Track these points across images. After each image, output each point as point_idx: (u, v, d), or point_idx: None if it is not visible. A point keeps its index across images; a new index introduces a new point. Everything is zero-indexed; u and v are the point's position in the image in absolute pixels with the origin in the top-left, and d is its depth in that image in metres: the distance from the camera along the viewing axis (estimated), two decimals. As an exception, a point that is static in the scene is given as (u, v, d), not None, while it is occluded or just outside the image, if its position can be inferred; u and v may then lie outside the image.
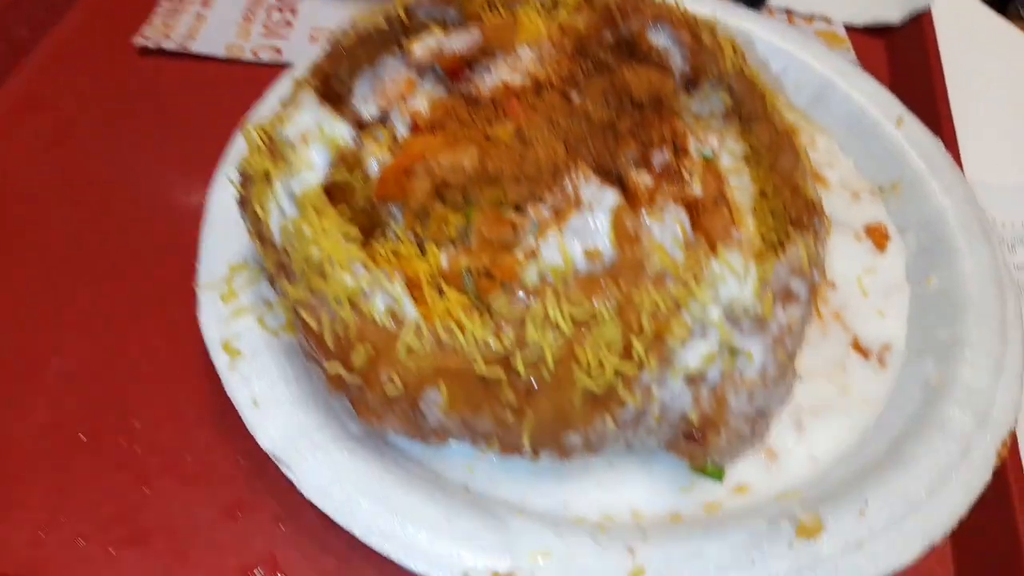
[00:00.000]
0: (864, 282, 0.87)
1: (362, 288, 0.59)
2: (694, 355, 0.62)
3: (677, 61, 0.77)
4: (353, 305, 0.60)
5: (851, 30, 1.23)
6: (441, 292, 0.71)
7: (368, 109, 0.79)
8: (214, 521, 0.74)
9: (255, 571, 0.72)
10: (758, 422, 0.66)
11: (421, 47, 0.80)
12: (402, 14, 0.76)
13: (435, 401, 0.60)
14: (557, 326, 0.58)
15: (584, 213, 0.60)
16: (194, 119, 1.02)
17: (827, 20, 1.24)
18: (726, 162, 0.82)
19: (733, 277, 0.61)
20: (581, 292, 0.58)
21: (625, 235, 0.59)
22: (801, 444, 0.76)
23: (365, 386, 0.62)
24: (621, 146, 0.72)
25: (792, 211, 0.77)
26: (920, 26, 1.20)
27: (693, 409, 0.64)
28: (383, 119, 0.80)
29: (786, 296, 0.66)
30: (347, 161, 0.74)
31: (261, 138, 0.67)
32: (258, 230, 0.68)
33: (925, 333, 0.82)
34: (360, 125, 0.79)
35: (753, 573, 0.64)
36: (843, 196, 0.95)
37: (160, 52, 1.08)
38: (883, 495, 0.68)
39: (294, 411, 0.70)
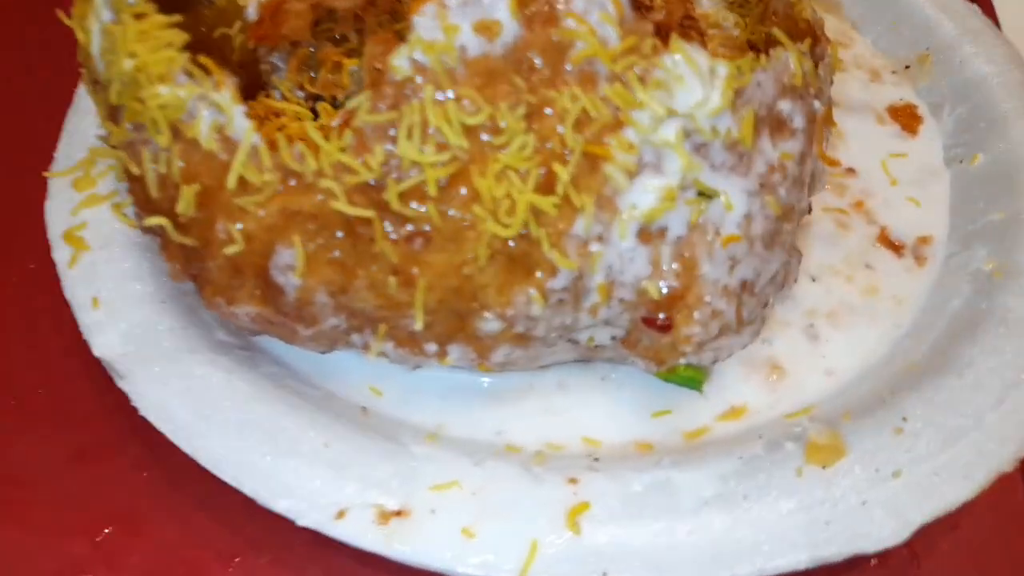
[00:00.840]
0: (891, 168, 0.69)
1: (181, 101, 0.43)
2: (644, 194, 0.44)
3: None
4: (175, 131, 0.44)
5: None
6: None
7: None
8: (60, 470, 0.58)
9: (105, 531, 0.55)
10: (744, 300, 0.49)
11: None
12: None
13: (289, 264, 0.44)
14: (441, 136, 0.41)
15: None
16: None
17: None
18: (705, 4, 0.66)
19: (695, 76, 0.44)
20: (473, 88, 0.41)
21: (533, 4, 0.42)
22: (814, 356, 0.58)
23: (202, 250, 0.46)
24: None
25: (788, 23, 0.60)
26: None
27: (651, 278, 0.46)
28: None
29: (776, 123, 0.48)
30: (227, 13, 0.59)
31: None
32: (87, 66, 0.53)
33: (974, 217, 0.64)
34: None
35: (746, 510, 0.46)
36: (859, 77, 0.77)
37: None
38: (927, 408, 0.50)
39: (143, 312, 0.54)
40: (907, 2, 0.78)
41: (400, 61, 0.42)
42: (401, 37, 0.46)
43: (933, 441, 0.48)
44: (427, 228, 0.43)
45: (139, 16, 0.47)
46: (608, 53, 0.42)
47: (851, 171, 0.69)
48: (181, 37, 0.47)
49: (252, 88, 0.60)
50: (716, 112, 0.44)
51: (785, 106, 0.48)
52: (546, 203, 0.42)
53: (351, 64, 0.57)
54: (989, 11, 0.80)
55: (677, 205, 0.45)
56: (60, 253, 0.57)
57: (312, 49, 0.58)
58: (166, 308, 0.55)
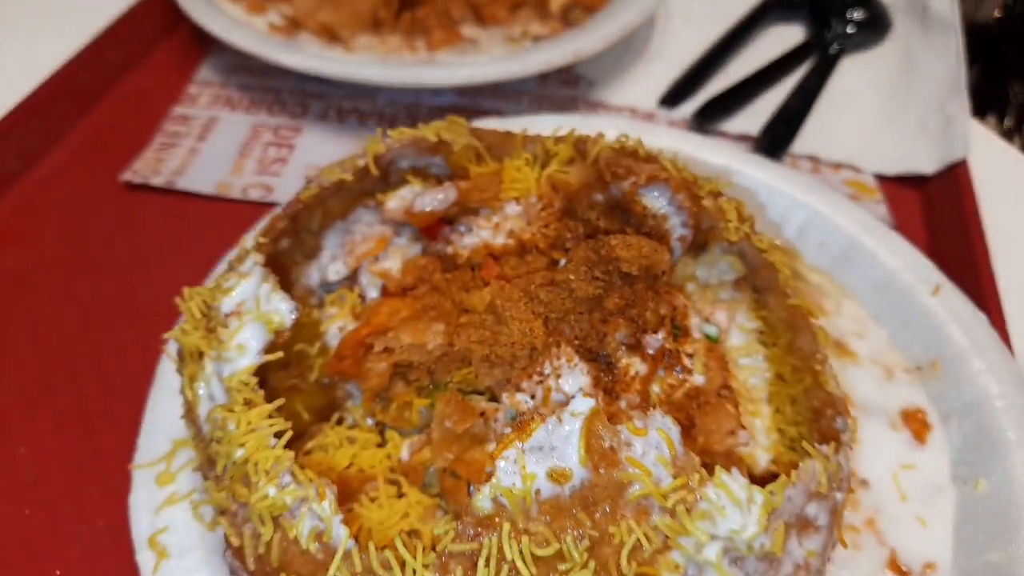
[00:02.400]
0: (901, 481, 0.75)
1: (286, 503, 0.50)
2: (687, 603, 0.50)
3: (675, 225, 0.69)
4: (277, 523, 0.50)
5: (882, 180, 1.15)
6: (400, 489, 0.62)
7: (335, 267, 0.72)
8: None
9: None
10: None
11: (396, 201, 0.73)
12: (372, 165, 0.69)
13: (367, 648, 0.49)
14: (514, 567, 0.47)
15: (551, 424, 0.50)
16: (175, 260, 0.96)
17: (856, 169, 1.16)
18: (736, 340, 0.73)
19: (734, 506, 0.50)
20: (545, 524, 0.48)
21: (599, 451, 0.49)
22: None
23: (290, 625, 0.51)
24: (609, 326, 0.63)
25: (815, 400, 0.67)
26: (955, 177, 1.11)
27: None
28: (350, 279, 0.73)
29: (802, 525, 0.54)
30: (306, 328, 0.66)
31: (199, 307, 0.59)
32: (188, 413, 0.59)
33: (975, 553, 0.69)
34: (323, 287, 0.71)
35: None
36: (874, 373, 0.84)
37: (147, 187, 1.03)
38: None
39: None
40: (920, 304, 0.85)
41: (483, 502, 0.48)
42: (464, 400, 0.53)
43: None
44: (493, 637, 0.48)
45: (248, 403, 0.54)
46: (660, 492, 0.49)
47: (864, 483, 0.74)
48: (284, 426, 0.53)
49: (327, 409, 0.67)
50: (754, 537, 0.50)
51: (811, 509, 0.54)
52: (603, 623, 0.48)
53: (420, 404, 0.63)
54: (999, 321, 0.87)
55: (714, 611, 0.51)
56: (144, 556, 0.62)
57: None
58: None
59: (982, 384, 0.78)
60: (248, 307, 0.56)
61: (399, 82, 1.06)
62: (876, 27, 1.38)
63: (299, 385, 0.65)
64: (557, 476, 0.48)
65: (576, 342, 0.62)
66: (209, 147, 1.10)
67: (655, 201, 0.67)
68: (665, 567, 0.49)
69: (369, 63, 1.08)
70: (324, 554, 0.49)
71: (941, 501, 0.74)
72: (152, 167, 1.05)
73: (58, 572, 0.70)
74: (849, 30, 1.37)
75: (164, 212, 1.02)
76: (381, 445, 0.64)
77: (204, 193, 1.03)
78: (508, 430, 0.61)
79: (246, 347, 0.55)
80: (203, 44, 1.28)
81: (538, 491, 0.48)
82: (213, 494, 0.54)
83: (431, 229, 0.71)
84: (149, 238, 0.99)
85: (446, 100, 1.21)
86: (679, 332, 0.65)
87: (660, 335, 0.62)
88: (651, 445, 0.49)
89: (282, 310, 0.57)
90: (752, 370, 0.71)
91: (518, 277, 0.66)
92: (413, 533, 0.60)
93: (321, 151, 1.11)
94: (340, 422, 0.66)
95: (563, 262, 0.69)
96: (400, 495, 0.62)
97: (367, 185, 0.74)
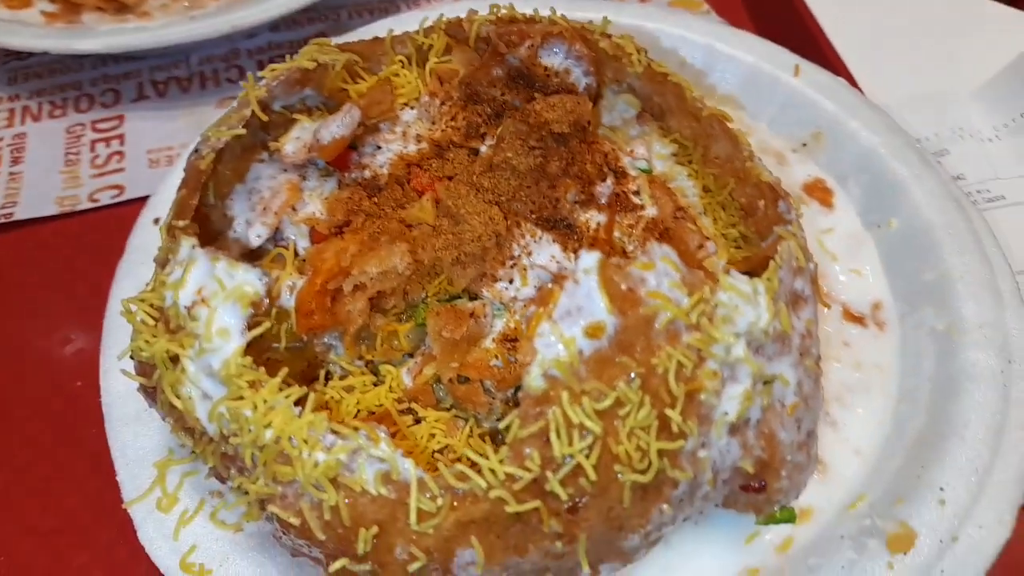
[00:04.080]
0: (827, 245, 0.82)
1: (341, 461, 0.48)
2: (731, 402, 0.54)
3: (579, 76, 0.69)
4: (336, 483, 0.48)
5: (702, -9, 1.20)
6: (415, 415, 0.61)
7: (255, 231, 0.67)
8: None
9: None
10: (810, 444, 0.59)
11: (293, 143, 0.68)
12: (257, 110, 0.64)
13: (471, 560, 0.50)
14: (583, 428, 0.48)
15: (570, 288, 0.50)
16: (47, 295, 0.87)
17: (677, -12, 1.20)
18: (659, 167, 0.75)
19: (745, 302, 0.53)
20: (596, 378, 0.49)
21: (620, 295, 0.50)
22: (840, 441, 0.69)
23: (380, 570, 0.50)
24: (559, 189, 0.63)
25: (742, 198, 0.71)
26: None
27: (744, 458, 0.56)
28: (275, 237, 0.68)
29: (795, 300, 0.59)
30: (255, 303, 0.62)
31: (148, 314, 0.54)
32: (181, 423, 0.55)
33: (909, 279, 0.78)
34: (252, 254, 0.67)
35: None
36: (767, 161, 0.89)
37: (-20, 231, 0.91)
38: (952, 474, 0.62)
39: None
40: (787, 87, 0.91)
41: (535, 381, 0.48)
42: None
43: (964, 500, 0.61)
44: (581, 499, 0.50)
45: (253, 384, 0.50)
46: (683, 311, 0.51)
47: (800, 258, 0.81)
48: (300, 392, 0.51)
49: (310, 370, 0.64)
50: (768, 323, 0.54)
51: (798, 284, 0.59)
52: (670, 445, 0.50)
53: (404, 329, 0.62)
54: (849, 80, 0.95)
55: (754, 400, 0.54)
56: (184, 584, 0.59)
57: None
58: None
59: (863, 139, 0.86)
60: (211, 291, 0.52)
61: (215, 33, 0.97)
62: None
63: (273, 357, 0.62)
64: (593, 331, 0.49)
65: (533, 216, 0.63)
66: (29, 167, 0.98)
67: (554, 58, 0.66)
68: (706, 377, 0.52)
69: (176, 23, 0.98)
70: (397, 492, 0.48)
71: (864, 250, 0.82)
72: (-27, 208, 0.92)
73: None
74: None
75: (11, 249, 0.90)
76: (377, 384, 0.63)
77: (47, 215, 0.92)
78: (498, 322, 0.62)
79: (228, 330, 0.51)
80: (-38, 61, 1.11)
81: (580, 351, 0.49)
82: (249, 487, 0.51)
83: (340, 160, 0.67)
84: (11, 282, 0.88)
85: (263, 40, 1.13)
86: (618, 174, 0.66)
87: (609, 182, 0.64)
88: (661, 274, 0.51)
89: (251, 280, 0.53)
90: (681, 190, 0.74)
91: (450, 177, 0.65)
92: (446, 449, 0.60)
93: (155, 132, 1.01)
94: (328, 378, 0.63)
95: (483, 148, 0.68)
96: (417, 420, 0.61)
97: (252, 139, 0.68)
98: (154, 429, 0.66)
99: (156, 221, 0.78)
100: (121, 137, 1.01)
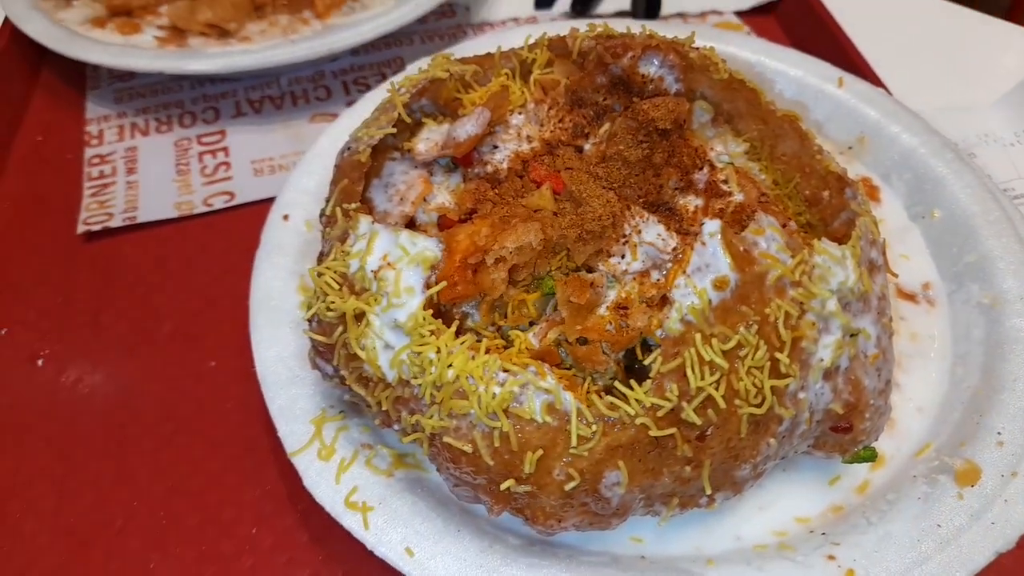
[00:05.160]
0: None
1: (514, 393, 0.57)
2: (825, 350, 0.63)
3: (671, 83, 0.80)
4: (507, 413, 0.58)
5: (742, 15, 1.31)
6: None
7: (393, 219, 0.77)
8: None
9: None
10: (887, 392, 0.69)
11: (424, 143, 0.78)
12: (403, 114, 0.75)
13: (616, 481, 0.59)
14: (713, 364, 0.58)
15: (699, 248, 0.60)
16: (175, 287, 0.96)
17: (718, 12, 1.32)
18: (735, 163, 0.85)
19: (836, 264, 0.63)
20: (722, 324, 0.59)
21: (741, 256, 0.60)
22: (904, 401, 0.79)
23: (538, 491, 0.59)
24: (663, 177, 0.74)
25: (806, 190, 0.81)
26: (799, -6, 1.30)
27: (835, 401, 0.65)
28: (410, 224, 0.78)
29: (872, 267, 0.69)
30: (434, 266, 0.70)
31: (334, 279, 0.64)
32: (358, 373, 0.64)
33: (954, 260, 0.88)
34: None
35: (942, 536, 0.66)
36: (821, 163, 1.00)
37: (107, 232, 1.01)
38: (1008, 419, 0.72)
39: (449, 546, 0.66)
40: (832, 97, 1.02)
41: (675, 324, 0.58)
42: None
43: (1020, 440, 0.71)
44: (708, 429, 0.59)
45: (433, 332, 0.60)
46: (789, 270, 0.61)
47: (854, 245, 0.91)
48: (472, 339, 0.60)
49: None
50: (854, 283, 0.63)
51: (873, 253, 0.69)
52: (779, 383, 0.60)
53: (533, 298, 0.72)
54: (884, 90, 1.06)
55: (843, 349, 0.64)
56: (349, 519, 0.67)
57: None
58: (463, 536, 0.67)
59: (904, 141, 0.97)
60: (395, 256, 0.62)
61: (314, 55, 1.08)
62: None
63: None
64: (719, 284, 0.59)
65: (640, 200, 0.73)
66: (144, 176, 1.08)
67: (650, 67, 0.77)
68: (807, 327, 0.62)
69: (278, 46, 1.09)
70: (558, 420, 0.58)
71: (911, 237, 0.93)
72: (100, 212, 1.02)
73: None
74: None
75: (139, 248, 1.00)
76: (507, 347, 0.72)
77: (167, 219, 1.02)
78: (611, 292, 0.72)
79: (413, 288, 0.61)
80: (75, 83, 1.21)
81: (710, 301, 0.58)
82: (425, 423, 0.60)
83: (466, 157, 0.78)
84: (142, 275, 0.98)
85: (346, 62, 1.24)
86: (709, 167, 0.77)
87: (705, 171, 0.74)
88: (769, 239, 0.61)
89: (431, 246, 0.63)
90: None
91: (567, 168, 0.75)
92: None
93: (256, 145, 1.11)
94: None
95: (587, 146, 0.78)
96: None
97: (384, 140, 0.78)
98: (306, 392, 0.75)
99: (285, 217, 0.88)
100: (226, 149, 1.11)
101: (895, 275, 0.77)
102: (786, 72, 1.06)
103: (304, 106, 1.18)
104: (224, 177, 1.07)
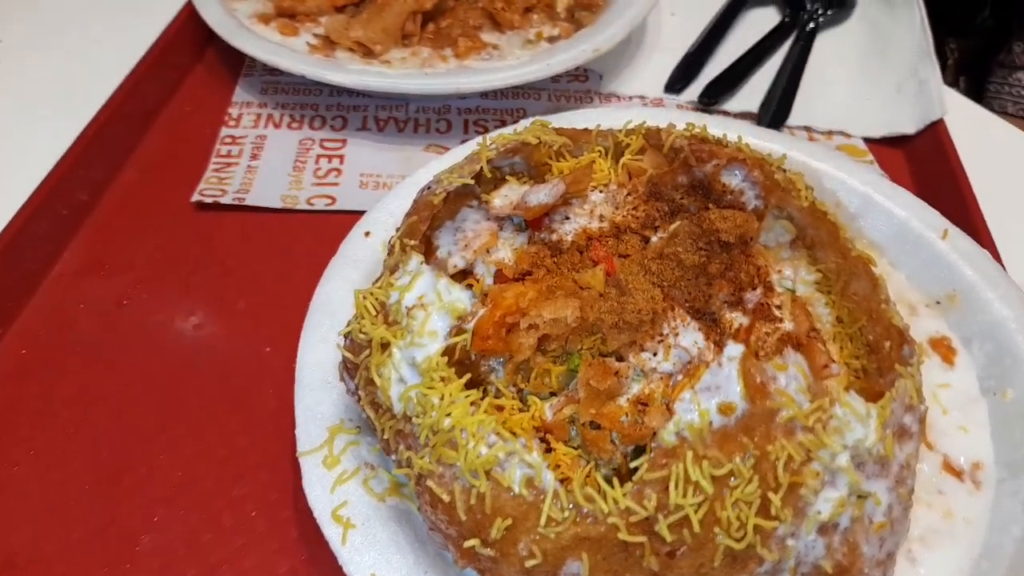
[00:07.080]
0: (940, 398, 0.88)
1: (498, 458, 0.59)
2: (826, 503, 0.62)
3: (750, 198, 0.80)
4: (488, 475, 0.60)
5: (870, 143, 1.29)
6: (548, 444, 0.72)
7: (453, 261, 0.81)
8: None
9: None
10: (887, 565, 0.66)
11: (501, 199, 0.82)
12: (486, 168, 0.79)
13: (576, 572, 0.59)
14: (698, 486, 0.58)
15: (714, 369, 0.61)
16: (260, 271, 1.04)
17: (846, 135, 1.30)
18: (800, 290, 0.85)
19: (857, 421, 0.62)
20: (718, 449, 0.59)
21: (755, 387, 0.60)
22: None
23: (500, 558, 0.61)
24: (714, 288, 0.74)
25: (870, 335, 0.79)
26: (936, 135, 1.26)
27: (826, 558, 0.63)
28: (467, 270, 0.82)
29: (901, 433, 0.67)
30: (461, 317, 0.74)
31: (373, 306, 0.68)
32: (372, 397, 0.68)
33: (1013, 449, 0.83)
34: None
35: None
36: (900, 308, 0.97)
37: (216, 206, 1.10)
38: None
39: (412, 581, 0.68)
40: (932, 247, 0.99)
41: (669, 436, 0.58)
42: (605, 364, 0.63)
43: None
44: (680, 548, 0.59)
45: (443, 379, 0.63)
46: (803, 414, 0.60)
47: (913, 403, 0.88)
48: (477, 396, 0.63)
49: (473, 383, 0.76)
50: (873, 444, 0.62)
51: (907, 419, 0.67)
52: (766, 523, 0.59)
53: (558, 371, 0.73)
54: (995, 255, 1.02)
55: (846, 508, 0.62)
56: (331, 530, 0.71)
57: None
58: None
59: (996, 310, 0.92)
60: (430, 299, 0.65)
61: (442, 91, 1.15)
62: (844, 4, 1.53)
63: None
64: (724, 409, 0.59)
65: (687, 304, 0.73)
66: (264, 164, 1.17)
67: (733, 178, 0.78)
68: (809, 475, 0.60)
69: (412, 75, 1.17)
70: (534, 496, 0.59)
71: (976, 411, 0.88)
72: (217, 187, 1.12)
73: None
74: (820, 8, 1.51)
75: (239, 227, 1.09)
76: (523, 410, 0.74)
77: (271, 207, 1.10)
78: (635, 385, 0.72)
79: (437, 332, 0.64)
80: (231, 67, 1.34)
81: (710, 423, 0.59)
82: (415, 464, 0.63)
83: (536, 221, 0.81)
84: (231, 252, 1.06)
85: (472, 103, 1.30)
86: (766, 287, 0.76)
87: (758, 291, 0.74)
88: (791, 377, 0.61)
89: (463, 298, 0.67)
90: (817, 316, 0.83)
91: (625, 255, 0.76)
92: (565, 481, 0.70)
93: (369, 159, 1.19)
94: (484, 395, 0.75)
95: (654, 239, 0.80)
96: (548, 450, 0.72)
97: (466, 188, 0.83)
98: (333, 400, 0.79)
99: (367, 234, 0.94)
100: (342, 157, 1.19)
101: (931, 447, 0.74)
102: (890, 210, 1.03)
103: (423, 134, 1.24)
104: (332, 183, 1.15)
